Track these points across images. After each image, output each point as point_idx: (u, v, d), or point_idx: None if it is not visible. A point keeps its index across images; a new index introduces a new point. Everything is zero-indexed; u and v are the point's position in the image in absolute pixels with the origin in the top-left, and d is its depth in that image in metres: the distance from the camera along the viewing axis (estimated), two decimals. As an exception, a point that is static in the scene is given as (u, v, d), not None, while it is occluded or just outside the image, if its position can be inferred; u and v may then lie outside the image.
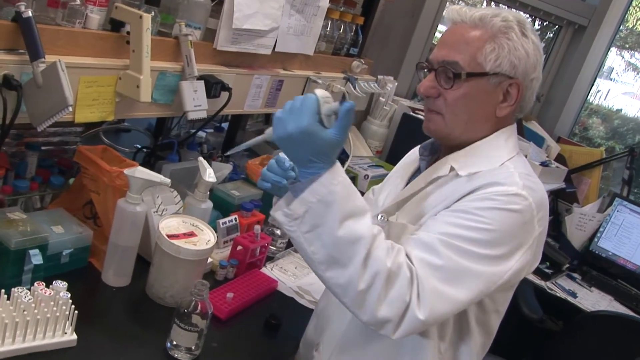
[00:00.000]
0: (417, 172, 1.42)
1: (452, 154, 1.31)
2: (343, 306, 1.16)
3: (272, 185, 1.28)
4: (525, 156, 2.96)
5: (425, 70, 1.30)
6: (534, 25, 4.11)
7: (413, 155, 1.50)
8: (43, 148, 1.76)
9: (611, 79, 4.48)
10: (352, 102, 1.09)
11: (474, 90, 1.24)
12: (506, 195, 1.16)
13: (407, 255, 1.14)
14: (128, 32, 1.54)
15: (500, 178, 1.20)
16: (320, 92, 1.09)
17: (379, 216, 1.36)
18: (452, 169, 1.27)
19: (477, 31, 1.23)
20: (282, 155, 1.26)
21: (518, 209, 1.16)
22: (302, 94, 2.22)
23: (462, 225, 1.15)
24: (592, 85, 3.89)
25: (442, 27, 3.18)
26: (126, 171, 1.46)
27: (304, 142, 1.08)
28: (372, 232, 1.11)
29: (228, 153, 1.45)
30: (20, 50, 1.35)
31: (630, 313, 2.75)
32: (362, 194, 2.42)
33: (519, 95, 1.25)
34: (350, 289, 1.10)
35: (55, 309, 1.26)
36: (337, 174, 1.11)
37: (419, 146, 1.47)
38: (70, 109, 1.36)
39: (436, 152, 1.40)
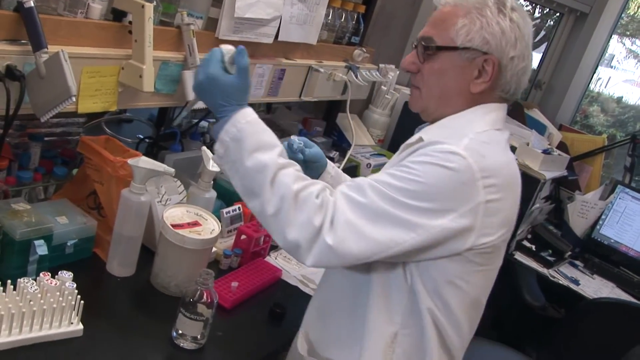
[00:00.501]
0: None
1: (424, 128, 1.35)
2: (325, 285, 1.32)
3: None
4: (528, 144, 2.98)
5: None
6: (534, 12, 4.10)
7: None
8: (46, 139, 1.76)
9: (612, 67, 4.48)
10: (243, 47, 1.29)
11: (447, 65, 1.27)
12: (442, 152, 1.16)
13: (335, 191, 1.20)
14: (130, 22, 1.54)
15: (445, 139, 1.20)
16: (224, 46, 1.29)
17: None
18: (420, 139, 1.27)
19: (454, 9, 1.27)
20: (292, 138, 1.47)
21: (452, 166, 1.14)
22: (304, 84, 2.22)
23: (394, 175, 1.18)
24: (594, 72, 3.88)
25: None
26: (130, 161, 1.46)
27: (212, 87, 1.26)
28: (278, 162, 1.20)
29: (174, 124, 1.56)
30: (23, 41, 1.34)
31: (633, 300, 2.76)
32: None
33: (494, 72, 1.25)
34: (263, 215, 1.19)
35: (61, 299, 1.27)
36: (246, 114, 1.25)
37: None
38: (74, 99, 1.36)
39: None
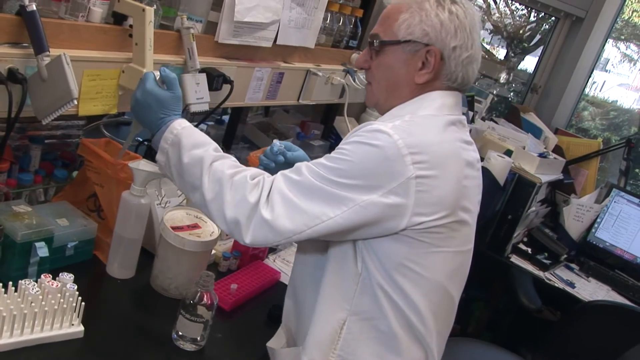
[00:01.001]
0: None
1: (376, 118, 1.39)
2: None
3: (264, 167, 1.49)
4: (524, 148, 3.00)
5: None
6: (530, 16, 4.12)
7: None
8: (46, 141, 1.77)
9: (606, 71, 4.50)
10: (164, 68, 1.43)
11: (391, 59, 1.33)
12: (369, 131, 1.21)
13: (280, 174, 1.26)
14: (131, 26, 1.55)
15: (377, 120, 1.27)
16: (155, 71, 1.42)
17: None
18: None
19: (397, 6, 1.33)
20: (274, 142, 1.52)
21: (377, 144, 1.19)
22: (302, 87, 2.23)
23: (328, 156, 1.24)
24: (589, 76, 3.90)
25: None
26: (130, 164, 1.47)
27: (151, 101, 1.37)
28: (213, 154, 1.29)
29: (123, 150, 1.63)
30: (25, 44, 1.35)
31: (628, 302, 2.78)
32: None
33: (436, 62, 1.29)
34: (204, 201, 1.26)
35: (62, 300, 1.28)
36: (181, 122, 1.35)
37: None
38: (75, 102, 1.37)
39: None
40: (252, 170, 1.27)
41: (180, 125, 1.34)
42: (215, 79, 1.80)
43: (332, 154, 1.24)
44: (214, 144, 1.33)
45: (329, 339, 1.29)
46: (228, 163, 1.28)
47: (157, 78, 1.40)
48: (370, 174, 1.19)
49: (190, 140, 1.31)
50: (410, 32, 1.30)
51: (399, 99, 1.35)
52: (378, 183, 1.19)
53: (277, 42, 2.04)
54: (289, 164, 1.51)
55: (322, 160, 1.24)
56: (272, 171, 1.37)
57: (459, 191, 1.26)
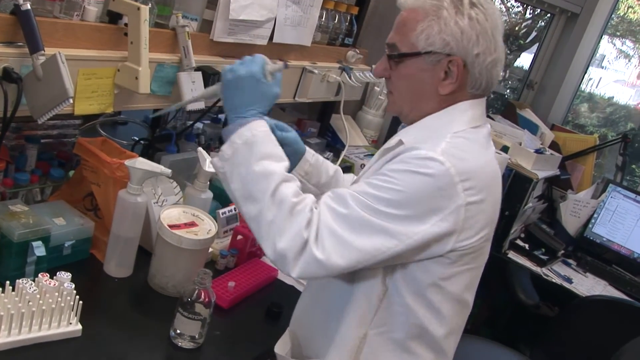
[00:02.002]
0: None
1: (403, 129, 1.36)
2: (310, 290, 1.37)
3: None
4: (520, 144, 3.00)
5: None
6: (525, 13, 4.12)
7: None
8: (42, 141, 1.76)
9: (602, 67, 4.51)
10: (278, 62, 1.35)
11: (413, 70, 1.29)
12: (419, 159, 1.18)
13: (318, 202, 1.22)
14: (126, 24, 1.55)
15: (423, 144, 1.21)
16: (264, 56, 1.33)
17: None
18: (400, 142, 1.29)
19: (413, 13, 1.27)
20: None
21: (430, 172, 1.16)
22: (298, 85, 2.23)
23: (374, 184, 1.19)
24: (585, 72, 3.91)
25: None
26: (127, 162, 1.47)
27: (250, 87, 1.28)
28: (284, 173, 1.22)
29: (156, 114, 1.55)
30: (19, 43, 1.35)
31: (625, 297, 2.78)
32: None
33: (460, 72, 1.26)
34: (260, 219, 1.19)
35: (60, 299, 1.28)
36: (263, 124, 1.27)
37: None
38: (71, 101, 1.37)
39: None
40: (312, 200, 1.21)
41: (261, 127, 1.26)
42: (211, 77, 1.80)
43: (378, 181, 1.20)
44: (287, 161, 1.26)
45: (351, 356, 1.30)
46: (294, 188, 1.21)
47: (268, 67, 1.32)
48: (422, 204, 1.17)
49: (266, 147, 1.24)
50: (431, 42, 1.25)
51: (425, 110, 1.31)
52: (430, 213, 1.17)
53: (274, 41, 2.04)
54: (280, 144, 1.47)
55: (367, 188, 1.19)
56: None
57: (497, 208, 1.30)
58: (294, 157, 1.50)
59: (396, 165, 1.20)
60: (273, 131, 1.42)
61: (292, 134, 1.49)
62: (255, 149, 1.22)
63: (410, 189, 1.16)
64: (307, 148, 1.55)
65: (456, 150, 1.21)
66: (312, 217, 1.17)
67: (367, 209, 1.17)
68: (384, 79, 1.37)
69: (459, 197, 1.18)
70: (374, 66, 2.78)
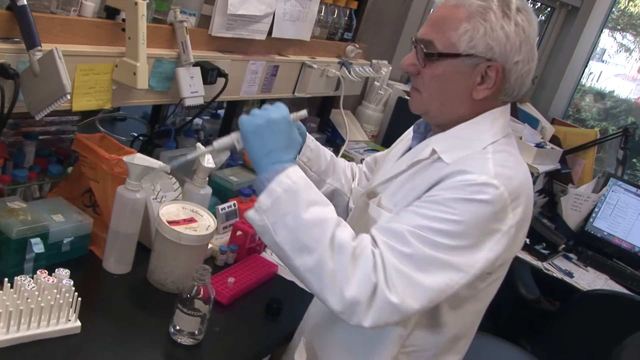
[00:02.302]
0: (409, 150, 1.43)
1: (435, 135, 1.31)
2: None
3: None
4: (521, 138, 2.99)
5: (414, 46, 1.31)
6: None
7: (410, 133, 1.51)
8: (40, 137, 1.75)
9: (603, 61, 4.49)
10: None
11: (448, 71, 1.23)
12: (475, 185, 1.14)
13: (374, 241, 1.16)
14: (123, 20, 1.54)
15: (471, 166, 1.18)
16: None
17: (368, 192, 1.40)
18: (433, 151, 1.26)
19: (456, 11, 1.21)
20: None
21: (487, 199, 1.13)
22: (298, 80, 2.21)
23: (431, 216, 1.15)
24: (586, 66, 3.90)
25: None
26: (125, 158, 1.46)
27: (284, 130, 1.22)
28: (336, 217, 1.17)
29: (172, 165, 1.42)
30: (16, 39, 1.34)
31: (626, 291, 2.78)
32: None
33: (498, 78, 1.22)
34: (319, 270, 1.12)
35: (58, 296, 1.27)
36: (298, 171, 1.20)
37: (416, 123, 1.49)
38: (69, 96, 1.36)
39: (430, 130, 1.40)
40: (368, 240, 1.16)
41: (298, 174, 1.19)
42: (210, 73, 1.80)
43: (432, 211, 1.15)
44: (332, 205, 1.20)
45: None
46: (350, 231, 1.16)
47: (292, 114, 1.29)
48: (479, 231, 1.15)
49: (310, 194, 1.18)
50: (473, 45, 1.19)
51: (454, 113, 1.27)
52: (486, 238, 1.15)
53: (272, 35, 2.03)
54: None
55: (423, 221, 1.15)
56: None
57: (530, 216, 1.27)
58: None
59: (449, 194, 1.16)
60: None
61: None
62: (301, 196, 1.16)
63: (470, 218, 1.13)
64: (306, 132, 1.53)
65: (504, 169, 1.18)
66: (376, 259, 1.12)
67: (429, 245, 1.13)
68: (406, 73, 1.36)
69: (509, 219, 1.17)
70: (375, 61, 2.78)
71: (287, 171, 1.18)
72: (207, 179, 1.70)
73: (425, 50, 1.24)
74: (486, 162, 1.19)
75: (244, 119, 1.24)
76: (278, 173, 1.18)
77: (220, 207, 1.79)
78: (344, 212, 1.60)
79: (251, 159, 1.25)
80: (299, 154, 1.50)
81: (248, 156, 1.29)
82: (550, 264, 2.87)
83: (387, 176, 1.37)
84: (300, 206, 1.15)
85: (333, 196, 1.60)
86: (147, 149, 2.01)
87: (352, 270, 1.11)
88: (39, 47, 1.32)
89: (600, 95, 4.33)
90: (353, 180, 1.67)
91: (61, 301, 1.27)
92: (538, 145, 3.05)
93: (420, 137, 1.41)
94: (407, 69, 1.29)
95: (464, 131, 1.27)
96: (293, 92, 2.33)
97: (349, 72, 2.49)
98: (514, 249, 1.25)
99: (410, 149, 1.41)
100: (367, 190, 1.41)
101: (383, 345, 1.30)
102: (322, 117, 2.87)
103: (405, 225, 1.16)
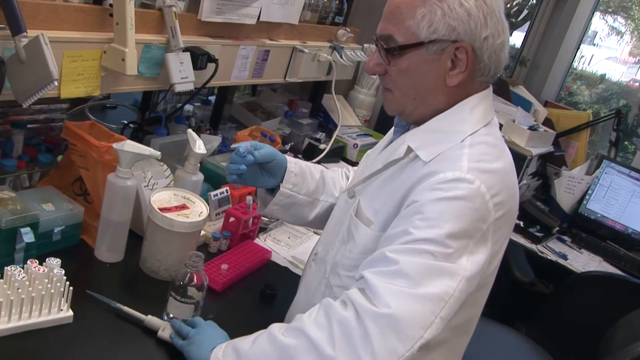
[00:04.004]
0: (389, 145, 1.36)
1: (409, 132, 1.25)
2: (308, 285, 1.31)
3: (237, 176, 1.38)
4: (514, 121, 2.98)
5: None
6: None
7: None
8: (29, 126, 1.74)
9: (594, 44, 4.49)
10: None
11: (415, 63, 1.16)
12: (446, 182, 1.09)
13: (363, 276, 1.10)
14: (111, 5, 1.52)
15: (443, 165, 1.12)
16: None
17: (348, 192, 1.36)
18: (409, 149, 1.20)
19: None
20: (239, 144, 1.38)
21: (462, 194, 1.07)
22: (289, 65, 2.18)
23: (412, 224, 1.09)
24: (577, 49, 3.89)
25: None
26: (115, 145, 1.44)
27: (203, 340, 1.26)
28: (274, 330, 1.14)
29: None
30: (1, 25, 1.31)
31: (619, 272, 2.79)
32: (352, 163, 2.40)
33: (469, 59, 1.14)
34: None
35: (49, 286, 1.26)
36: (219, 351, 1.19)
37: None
38: (56, 83, 1.34)
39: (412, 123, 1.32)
40: (335, 305, 1.09)
41: (220, 351, 1.18)
42: (200, 58, 1.78)
43: (415, 217, 1.08)
44: (258, 332, 1.17)
45: None
46: (297, 328, 1.10)
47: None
48: (463, 231, 1.07)
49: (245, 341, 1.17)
50: (434, 29, 1.12)
51: (432, 106, 1.20)
52: (471, 238, 1.08)
53: (261, 19, 2.01)
54: (259, 163, 1.42)
55: (407, 228, 1.09)
56: (246, 175, 1.38)
57: (516, 212, 1.22)
58: (279, 170, 1.46)
59: (423, 198, 1.10)
60: (251, 153, 1.37)
61: (268, 148, 1.43)
62: (241, 349, 1.15)
63: (448, 218, 1.06)
64: (287, 157, 1.48)
65: (480, 164, 1.11)
66: (347, 303, 1.08)
67: (415, 254, 1.06)
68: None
69: (490, 215, 1.10)
70: (366, 45, 2.75)
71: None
72: (199, 165, 1.68)
73: (385, 47, 1.18)
74: (460, 158, 1.12)
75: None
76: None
77: (212, 193, 1.78)
78: None
79: None
80: (282, 181, 1.47)
81: None
82: (544, 246, 2.88)
83: (364, 175, 1.31)
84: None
85: (330, 211, 1.51)
86: (138, 136, 2.00)
87: (342, 343, 1.04)
88: (25, 33, 1.30)
89: (592, 80, 4.33)
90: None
91: (52, 291, 1.26)
92: (531, 128, 3.04)
93: (402, 130, 1.32)
94: (374, 69, 1.23)
95: (440, 123, 1.20)
96: (284, 77, 2.31)
97: (341, 57, 2.48)
98: (502, 249, 1.20)
99: (391, 143, 1.34)
100: (347, 189, 1.36)
101: None
102: (314, 102, 2.85)
103: (387, 247, 1.10)
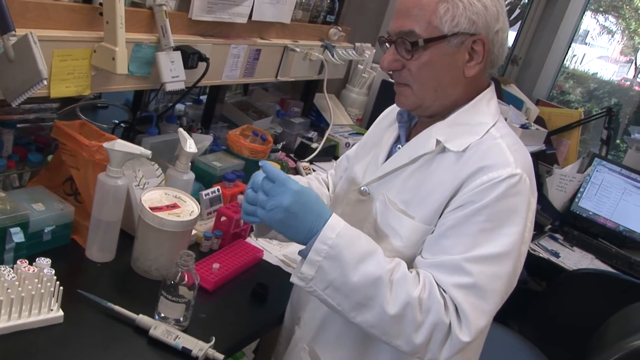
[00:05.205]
0: (398, 141, 1.40)
1: (434, 125, 1.28)
2: None
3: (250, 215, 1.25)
4: (506, 119, 2.99)
5: (387, 43, 1.27)
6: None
7: (387, 120, 1.48)
8: (19, 126, 1.73)
9: (586, 43, 4.51)
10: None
11: (437, 56, 1.21)
12: (502, 182, 1.15)
13: (436, 281, 1.16)
14: (101, 4, 1.51)
15: (489, 159, 1.18)
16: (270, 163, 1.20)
17: (362, 188, 1.36)
18: (437, 142, 1.24)
19: None
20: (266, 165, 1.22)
21: (519, 191, 1.16)
22: (280, 64, 2.17)
23: (478, 233, 1.15)
24: (569, 48, 3.90)
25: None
26: (105, 144, 1.43)
27: (303, 205, 1.16)
28: (387, 268, 1.15)
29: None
30: (-10, 24, 1.31)
31: (611, 270, 2.80)
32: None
33: (485, 51, 1.21)
34: (383, 324, 1.14)
35: (39, 286, 1.25)
36: (334, 227, 1.16)
37: (390, 108, 1.47)
38: (45, 82, 1.34)
39: (414, 117, 1.38)
40: (431, 280, 1.15)
41: (334, 232, 1.15)
42: (191, 57, 1.77)
43: (475, 225, 1.15)
44: (378, 248, 1.18)
45: None
46: (406, 276, 1.15)
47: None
48: (521, 221, 1.17)
49: (353, 251, 1.14)
50: (456, 23, 1.17)
51: (449, 98, 1.26)
52: (525, 224, 1.18)
53: (253, 18, 2.01)
54: None
55: (472, 241, 1.15)
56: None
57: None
58: None
59: (482, 199, 1.15)
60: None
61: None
62: (342, 259, 1.14)
63: (511, 216, 1.16)
64: None
65: (517, 153, 1.20)
66: (446, 301, 1.14)
67: (487, 262, 1.15)
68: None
69: (532, 202, 1.21)
70: (358, 44, 2.75)
71: (321, 236, 1.15)
72: (190, 164, 1.68)
73: (410, 41, 1.21)
74: (501, 150, 1.19)
75: (264, 216, 1.18)
76: (314, 241, 1.15)
77: (204, 192, 1.78)
78: None
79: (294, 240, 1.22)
80: None
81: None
82: (536, 244, 2.88)
83: (385, 170, 1.33)
84: (345, 269, 1.14)
85: None
86: (129, 136, 1.99)
87: (422, 318, 1.13)
88: (13, 32, 1.29)
89: (584, 79, 4.35)
90: (328, 189, 1.65)
91: (42, 291, 1.25)
92: (523, 126, 3.05)
93: (406, 125, 1.38)
94: (392, 66, 1.26)
95: (463, 116, 1.26)
96: (276, 76, 2.30)
97: (332, 56, 2.47)
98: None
99: (398, 138, 1.39)
100: (366, 183, 1.36)
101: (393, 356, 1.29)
102: (306, 101, 2.85)
103: (457, 255, 1.16)
